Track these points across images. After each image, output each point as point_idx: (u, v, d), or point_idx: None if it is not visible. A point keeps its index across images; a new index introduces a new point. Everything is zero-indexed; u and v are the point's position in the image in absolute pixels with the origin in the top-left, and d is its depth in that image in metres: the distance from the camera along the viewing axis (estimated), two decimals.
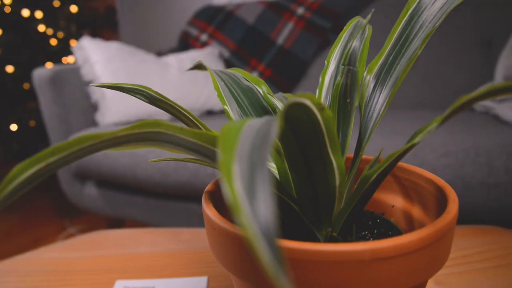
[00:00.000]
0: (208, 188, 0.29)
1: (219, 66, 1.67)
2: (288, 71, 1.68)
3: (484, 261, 0.46)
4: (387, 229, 0.31)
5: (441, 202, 0.27)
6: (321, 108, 0.19)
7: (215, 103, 1.55)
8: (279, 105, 0.30)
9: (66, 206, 1.89)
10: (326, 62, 0.33)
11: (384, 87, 0.26)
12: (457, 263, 0.46)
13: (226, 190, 0.12)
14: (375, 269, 0.20)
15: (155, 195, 1.26)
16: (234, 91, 0.33)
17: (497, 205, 0.87)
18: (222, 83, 0.34)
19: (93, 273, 0.47)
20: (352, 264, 0.20)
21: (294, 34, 1.69)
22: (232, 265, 0.23)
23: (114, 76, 1.32)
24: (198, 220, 1.23)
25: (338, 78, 0.25)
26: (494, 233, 0.52)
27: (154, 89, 1.40)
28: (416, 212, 0.31)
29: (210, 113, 1.61)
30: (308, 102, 0.17)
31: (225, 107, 0.32)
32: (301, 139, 0.21)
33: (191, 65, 1.55)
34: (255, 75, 1.69)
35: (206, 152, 0.24)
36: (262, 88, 0.34)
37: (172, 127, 0.21)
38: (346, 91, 0.24)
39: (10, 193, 0.17)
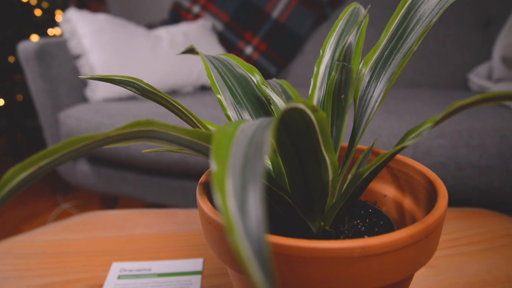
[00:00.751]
0: (202, 179, 0.29)
1: (212, 40, 1.64)
2: (284, 46, 1.66)
3: (472, 244, 0.47)
4: (378, 219, 0.31)
5: (432, 195, 0.28)
6: (314, 110, 0.19)
7: (207, 78, 1.53)
8: (274, 96, 0.30)
9: (58, 182, 1.90)
10: (321, 51, 0.32)
11: (379, 82, 0.26)
12: (446, 246, 0.47)
13: (219, 205, 0.12)
14: (364, 265, 0.21)
15: (149, 172, 1.27)
16: (227, 80, 0.33)
17: (488, 188, 0.89)
18: (215, 70, 0.33)
19: (89, 255, 0.47)
20: (342, 261, 0.20)
21: (290, 7, 1.66)
22: (228, 258, 0.24)
23: (103, 50, 1.30)
24: (193, 198, 1.24)
25: (333, 73, 0.25)
26: (483, 217, 0.54)
27: (145, 64, 1.38)
28: (407, 202, 0.31)
29: (204, 88, 1.59)
30: (302, 106, 0.17)
31: (219, 96, 0.32)
32: (294, 138, 0.21)
33: (182, 39, 1.52)
34: (249, 49, 1.67)
35: (199, 148, 0.24)
36: (255, 77, 0.33)
37: (165, 126, 0.20)
38: (341, 87, 0.24)
39: (3, 197, 0.17)
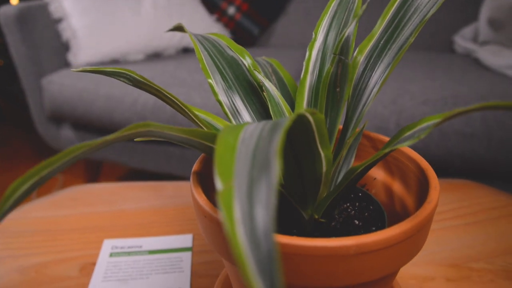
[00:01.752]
0: (195, 168, 0.29)
1: (194, 1, 1.58)
2: (266, 6, 1.61)
3: (455, 218, 0.49)
4: (368, 203, 0.32)
5: (422, 182, 0.28)
6: (313, 113, 0.18)
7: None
8: (266, 83, 0.29)
9: (43, 147, 1.86)
10: (313, 34, 0.31)
11: (374, 72, 0.25)
12: None
13: (228, 233, 0.12)
14: (359, 261, 0.21)
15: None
16: (218, 63, 0.32)
17: (472, 155, 0.91)
18: (206, 53, 0.32)
19: (81, 232, 0.47)
20: (338, 258, 0.21)
21: None
22: (223, 251, 0.24)
23: (84, 13, 1.24)
24: (177, 163, 1.24)
25: (329, 66, 0.24)
26: (467, 189, 0.55)
27: (127, 27, 1.33)
28: (397, 186, 0.32)
29: (186, 50, 1.55)
30: (303, 112, 0.17)
31: (210, 80, 0.31)
32: (291, 135, 0.21)
33: (165, 1, 1.46)
34: (232, 9, 1.61)
35: (196, 145, 0.23)
36: (246, 60, 0.32)
37: (161, 127, 0.20)
38: (336, 80, 0.24)
39: (8, 209, 0.17)
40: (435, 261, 0.43)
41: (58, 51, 1.32)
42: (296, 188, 0.27)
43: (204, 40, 0.34)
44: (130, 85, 0.25)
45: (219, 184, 0.14)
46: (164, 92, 0.25)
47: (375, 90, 0.25)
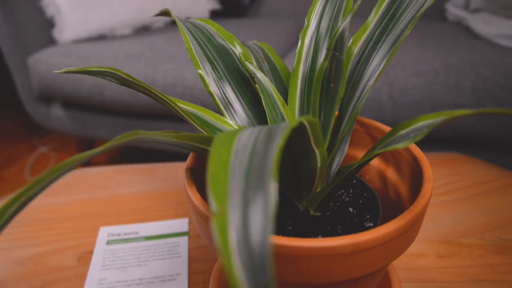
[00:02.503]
0: (188, 164, 0.28)
1: None
2: None
3: (447, 194, 0.49)
4: (362, 190, 0.32)
5: (416, 171, 0.28)
6: (307, 119, 0.18)
7: (180, 11, 1.45)
8: (258, 74, 0.28)
9: (34, 126, 1.84)
10: (306, 20, 0.30)
11: (369, 64, 0.25)
12: None
13: (224, 263, 0.12)
14: (354, 259, 0.22)
15: (125, 115, 1.24)
16: (208, 52, 0.31)
17: (462, 126, 0.91)
18: (195, 42, 0.31)
19: (76, 220, 0.48)
20: (334, 256, 0.21)
21: None
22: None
23: None
24: None
25: (322, 61, 0.23)
26: (457, 163, 0.56)
27: (114, 0, 1.29)
28: (391, 173, 0.32)
29: (175, 23, 1.51)
30: (298, 123, 0.17)
31: (200, 71, 0.30)
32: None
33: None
34: None
35: (190, 148, 0.23)
36: (237, 48, 0.32)
37: (151, 134, 0.20)
38: (330, 75, 0.23)
39: None
40: (427, 238, 0.44)
41: (43, 28, 1.28)
42: (290, 182, 0.27)
43: (192, 27, 0.33)
44: (117, 83, 0.25)
45: (213, 206, 0.14)
46: (150, 89, 0.25)
47: (370, 83, 0.24)
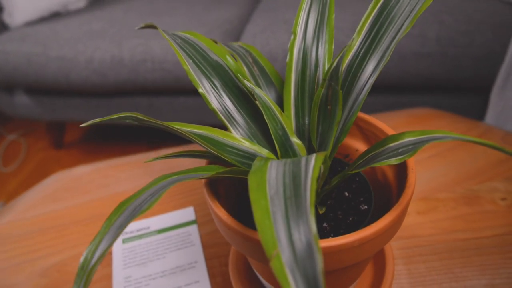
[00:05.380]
0: (206, 179, 0.31)
1: None
2: None
3: (422, 152, 0.55)
4: (354, 174, 0.37)
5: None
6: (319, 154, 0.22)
7: None
8: (257, 90, 0.31)
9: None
10: (292, 33, 0.33)
11: (355, 84, 0.28)
12: None
13: None
14: (361, 248, 0.26)
15: (95, 95, 1.22)
16: (204, 70, 0.33)
17: (428, 73, 0.97)
18: (191, 61, 0.33)
19: (86, 223, 0.50)
20: (345, 250, 0.26)
21: None
22: (248, 252, 0.28)
23: None
24: (144, 112, 1.24)
25: (319, 88, 0.27)
26: (427, 119, 0.61)
27: None
28: None
29: None
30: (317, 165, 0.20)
31: (200, 90, 0.33)
32: None
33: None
34: None
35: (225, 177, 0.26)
36: (229, 62, 0.34)
37: (202, 169, 0.23)
38: (327, 100, 0.26)
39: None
40: None
41: None
42: None
43: (184, 44, 0.35)
44: (137, 124, 0.27)
45: (268, 253, 0.17)
46: (168, 125, 0.27)
47: (360, 97, 0.28)
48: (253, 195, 0.20)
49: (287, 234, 0.18)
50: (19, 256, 0.46)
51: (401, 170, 0.32)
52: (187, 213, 0.50)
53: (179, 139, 1.49)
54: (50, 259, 0.46)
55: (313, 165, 0.19)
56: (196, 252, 0.45)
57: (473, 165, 0.53)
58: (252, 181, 0.20)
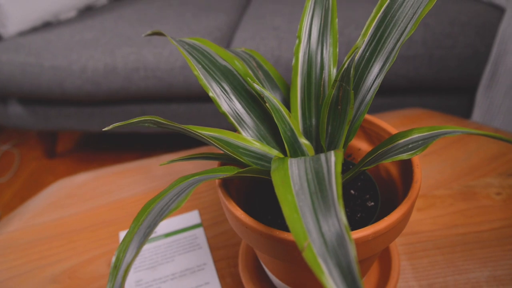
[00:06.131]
0: (218, 180, 0.32)
1: None
2: None
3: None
4: (358, 174, 0.38)
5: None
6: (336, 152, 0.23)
7: None
8: (266, 93, 0.32)
9: None
10: (297, 37, 0.34)
11: (362, 85, 0.30)
12: None
13: (322, 283, 0.17)
14: (374, 243, 0.28)
15: (89, 104, 1.22)
16: (214, 74, 0.35)
17: (416, 75, 0.99)
18: (200, 66, 0.35)
19: (93, 230, 0.51)
20: (361, 243, 0.27)
21: None
22: (264, 250, 0.29)
23: None
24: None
25: (329, 89, 0.28)
26: (419, 119, 0.63)
27: None
28: None
29: None
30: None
31: (211, 94, 0.34)
32: None
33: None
34: None
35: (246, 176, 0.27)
36: (237, 66, 0.35)
37: (224, 170, 0.24)
38: (338, 100, 0.28)
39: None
40: None
41: None
42: None
43: (192, 50, 0.36)
44: (155, 127, 0.28)
45: (299, 245, 0.18)
46: (188, 129, 0.28)
47: (367, 99, 0.29)
48: (279, 191, 0.21)
49: (316, 226, 0.19)
50: (30, 263, 0.47)
51: (406, 167, 0.34)
52: (193, 217, 0.51)
53: (172, 146, 1.49)
54: (60, 265, 0.46)
55: (334, 161, 0.21)
56: (204, 255, 0.46)
57: (467, 162, 0.55)
58: (276, 178, 0.21)
